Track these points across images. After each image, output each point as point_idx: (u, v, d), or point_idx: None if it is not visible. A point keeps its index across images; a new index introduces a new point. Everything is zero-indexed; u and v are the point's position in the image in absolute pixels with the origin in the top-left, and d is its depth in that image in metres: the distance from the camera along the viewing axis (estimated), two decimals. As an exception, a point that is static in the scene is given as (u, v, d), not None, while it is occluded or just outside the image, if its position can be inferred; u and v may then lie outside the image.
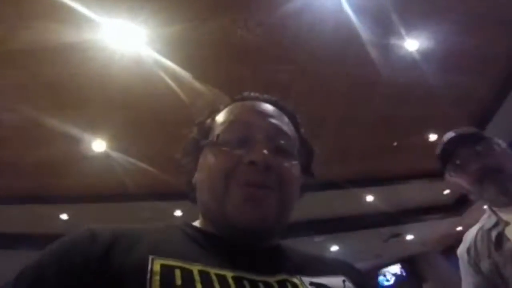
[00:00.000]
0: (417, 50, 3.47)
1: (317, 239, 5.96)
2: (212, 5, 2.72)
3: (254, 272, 0.45)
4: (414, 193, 5.76)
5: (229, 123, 0.54)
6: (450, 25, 3.26)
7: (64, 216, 4.69)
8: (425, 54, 3.50)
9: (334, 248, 6.79)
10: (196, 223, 0.57)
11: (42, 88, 3.07)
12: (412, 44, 3.41)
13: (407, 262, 8.26)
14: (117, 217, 4.45)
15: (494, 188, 0.98)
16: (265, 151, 0.49)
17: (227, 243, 0.49)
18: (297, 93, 3.51)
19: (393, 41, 3.33)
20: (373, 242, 6.74)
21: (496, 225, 0.99)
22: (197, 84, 3.14)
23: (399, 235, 6.77)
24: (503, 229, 0.96)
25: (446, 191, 5.99)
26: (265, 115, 0.55)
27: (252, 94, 0.63)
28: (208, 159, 0.53)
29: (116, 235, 0.45)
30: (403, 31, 3.21)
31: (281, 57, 3.28)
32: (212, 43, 2.98)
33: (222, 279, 0.41)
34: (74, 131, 3.45)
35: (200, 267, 0.42)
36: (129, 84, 3.14)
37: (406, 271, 8.27)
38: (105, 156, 3.84)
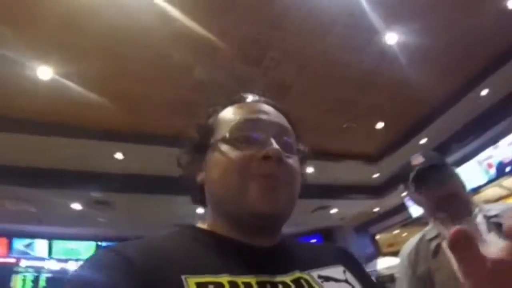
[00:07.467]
0: (396, 43, 3.55)
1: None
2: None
3: (272, 273, 0.48)
4: (348, 171, 6.17)
5: (239, 122, 0.55)
6: (430, 23, 3.36)
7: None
8: (401, 48, 3.60)
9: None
10: (203, 225, 0.57)
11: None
12: (391, 37, 3.49)
13: (324, 233, 8.79)
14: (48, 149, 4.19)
15: (448, 212, 1.14)
16: (277, 146, 0.52)
17: (241, 244, 0.51)
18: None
19: (374, 33, 3.39)
20: (299, 211, 7.28)
21: (436, 237, 1.17)
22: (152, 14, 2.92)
23: (326, 208, 7.28)
24: (441, 242, 1.15)
25: (375, 175, 6.54)
26: (270, 114, 0.58)
27: (251, 95, 0.64)
28: (220, 156, 0.53)
29: (144, 258, 0.44)
30: (383, 25, 3.29)
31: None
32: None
33: (249, 286, 0.44)
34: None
35: (228, 278, 0.44)
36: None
37: (320, 240, 8.68)
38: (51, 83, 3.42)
